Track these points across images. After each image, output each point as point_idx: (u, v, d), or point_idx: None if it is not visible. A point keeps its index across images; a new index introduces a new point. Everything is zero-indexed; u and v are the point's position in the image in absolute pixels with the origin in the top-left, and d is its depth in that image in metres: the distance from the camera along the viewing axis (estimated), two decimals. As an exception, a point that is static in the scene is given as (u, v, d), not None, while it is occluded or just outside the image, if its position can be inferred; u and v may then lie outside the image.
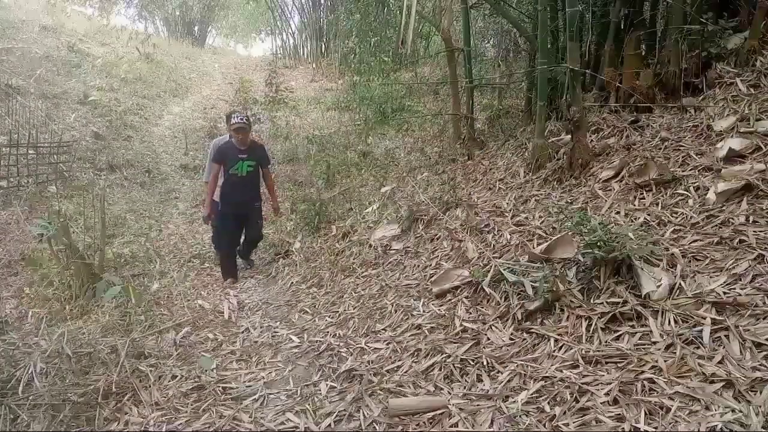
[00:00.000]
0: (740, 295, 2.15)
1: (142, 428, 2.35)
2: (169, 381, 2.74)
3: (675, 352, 2.02)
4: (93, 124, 8.81)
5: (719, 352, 1.96)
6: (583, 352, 2.22)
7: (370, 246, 4.34)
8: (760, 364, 1.85)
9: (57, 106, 8.83)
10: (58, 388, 2.49)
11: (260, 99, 10.11)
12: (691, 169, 3.10)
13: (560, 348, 2.32)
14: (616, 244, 2.51)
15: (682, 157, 3.25)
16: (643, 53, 4.45)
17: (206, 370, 2.82)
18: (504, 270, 2.92)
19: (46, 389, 2.47)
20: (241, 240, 5.13)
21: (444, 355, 2.53)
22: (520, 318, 2.60)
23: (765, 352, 1.89)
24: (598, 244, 2.57)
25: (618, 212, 3.06)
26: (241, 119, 4.72)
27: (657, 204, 2.98)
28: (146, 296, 3.69)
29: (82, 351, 2.82)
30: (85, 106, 9.27)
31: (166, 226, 5.98)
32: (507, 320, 2.65)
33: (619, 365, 2.09)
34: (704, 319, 2.11)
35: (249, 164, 4.76)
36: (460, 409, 2.12)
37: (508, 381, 2.23)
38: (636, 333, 2.21)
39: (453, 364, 2.45)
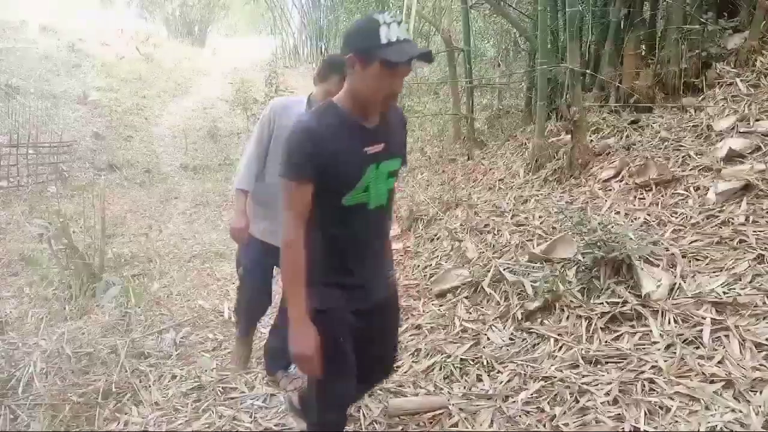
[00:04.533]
0: (740, 295, 2.15)
1: (142, 428, 2.35)
2: (169, 381, 2.74)
3: (675, 352, 2.02)
4: (93, 124, 8.81)
5: (719, 352, 1.96)
6: (583, 352, 2.21)
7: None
8: (760, 364, 1.85)
9: (57, 106, 8.82)
10: (58, 388, 2.49)
11: (260, 99, 10.08)
12: (691, 169, 3.10)
13: (560, 348, 2.32)
14: (616, 244, 2.51)
15: (682, 157, 3.25)
16: (643, 53, 4.45)
17: (206, 370, 2.82)
18: (504, 270, 2.92)
19: (46, 389, 2.47)
20: None
21: (444, 355, 2.53)
22: (520, 318, 2.60)
23: (765, 352, 1.90)
24: (598, 244, 2.57)
25: (618, 212, 3.06)
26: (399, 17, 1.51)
27: (657, 204, 2.98)
28: (146, 296, 3.68)
29: (82, 351, 2.82)
30: (85, 106, 9.26)
31: (165, 226, 5.98)
32: (507, 320, 2.65)
33: (619, 365, 2.09)
34: (704, 319, 2.11)
35: (391, 170, 1.59)
36: (460, 409, 2.12)
37: (508, 381, 2.23)
38: (636, 333, 2.21)
39: (453, 364, 2.45)
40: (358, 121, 1.52)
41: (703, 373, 1.89)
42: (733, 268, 2.31)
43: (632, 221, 2.91)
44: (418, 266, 3.66)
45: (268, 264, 2.52)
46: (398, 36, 1.40)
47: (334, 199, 1.50)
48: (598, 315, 2.37)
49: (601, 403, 1.93)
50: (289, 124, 2.22)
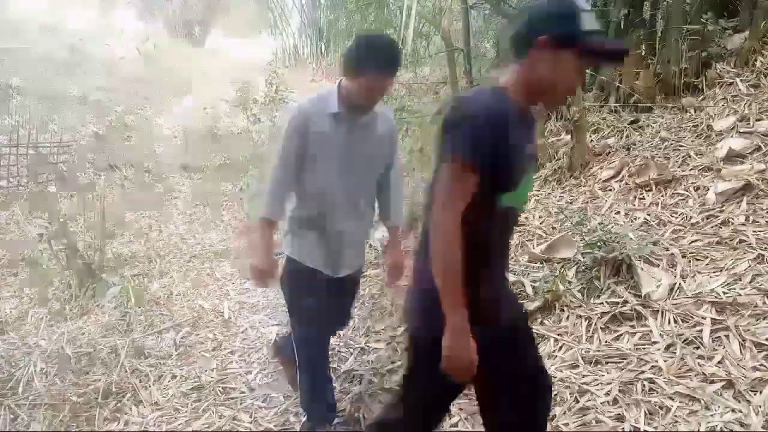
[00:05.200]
0: (740, 295, 2.15)
1: (142, 428, 2.35)
2: (168, 381, 2.74)
3: (675, 352, 2.02)
4: (93, 123, 8.80)
5: (719, 352, 1.96)
6: (583, 352, 2.22)
7: (370, 246, 4.33)
8: (760, 364, 1.86)
9: (57, 105, 8.82)
10: (57, 388, 2.50)
11: (260, 99, 10.10)
12: (691, 169, 3.10)
13: (560, 348, 2.32)
14: (616, 244, 2.51)
15: (682, 157, 3.25)
16: (643, 53, 4.45)
17: (206, 370, 2.82)
18: (504, 270, 2.91)
19: (45, 389, 2.47)
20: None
21: (444, 355, 2.53)
22: (520, 318, 2.60)
23: (765, 352, 1.90)
24: (598, 244, 2.57)
25: (618, 212, 3.06)
26: None
27: (657, 204, 2.98)
28: (146, 296, 3.68)
29: (82, 351, 2.82)
30: (86, 106, 9.26)
31: (165, 226, 5.97)
32: (507, 320, 2.65)
33: (619, 365, 2.09)
34: (704, 319, 2.11)
35: (534, 173, 1.56)
36: (460, 409, 2.12)
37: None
38: (636, 333, 2.21)
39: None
40: (524, 114, 1.32)
41: (703, 373, 1.89)
42: (733, 268, 2.31)
43: (632, 221, 2.91)
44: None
45: (334, 300, 2.15)
46: (596, 25, 1.26)
47: (490, 197, 1.28)
48: (598, 315, 2.37)
49: (601, 403, 1.93)
50: (325, 128, 1.94)
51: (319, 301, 2.07)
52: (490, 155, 1.21)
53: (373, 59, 1.83)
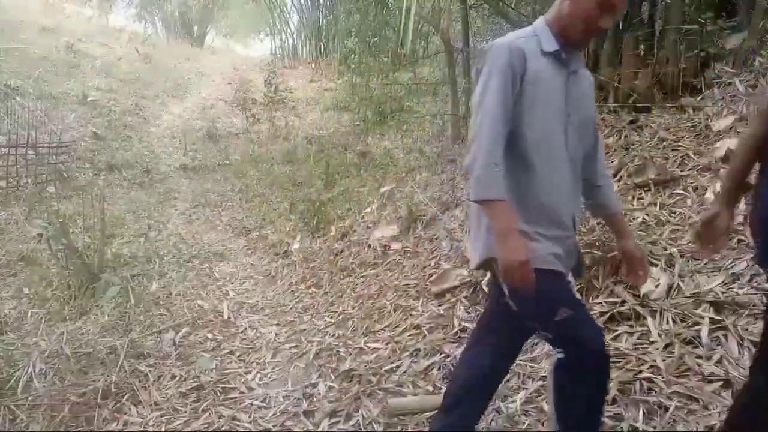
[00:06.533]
0: (738, 294, 2.16)
1: (141, 428, 2.35)
2: (168, 381, 2.74)
3: (673, 352, 2.02)
4: (92, 124, 8.80)
5: (717, 351, 1.96)
6: (582, 351, 2.22)
7: (369, 246, 4.34)
8: (758, 364, 1.86)
9: (56, 106, 8.83)
10: (57, 389, 2.50)
11: (259, 99, 10.11)
12: (689, 169, 3.11)
13: (559, 348, 2.32)
14: (615, 244, 2.52)
15: (681, 156, 3.25)
16: (642, 53, 4.45)
17: (205, 370, 2.82)
18: (503, 270, 2.92)
19: (45, 389, 2.47)
20: None
21: (443, 355, 2.54)
22: (518, 318, 2.60)
23: (763, 352, 1.90)
24: (597, 243, 2.57)
25: (617, 212, 3.06)
26: None
27: (655, 204, 2.99)
28: (145, 296, 3.69)
29: (81, 351, 2.83)
30: (84, 107, 9.27)
31: (165, 227, 5.98)
32: (506, 320, 2.65)
33: (617, 365, 2.09)
34: (702, 318, 2.11)
35: None
36: (459, 408, 2.12)
37: (507, 380, 2.23)
38: (634, 333, 2.21)
39: (452, 364, 2.45)
40: None
41: (701, 373, 1.90)
42: (732, 267, 2.31)
43: (631, 221, 2.91)
44: (417, 266, 3.67)
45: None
46: None
47: None
48: (597, 315, 2.37)
49: (599, 402, 1.93)
50: (543, 71, 1.43)
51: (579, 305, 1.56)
52: None
53: None
